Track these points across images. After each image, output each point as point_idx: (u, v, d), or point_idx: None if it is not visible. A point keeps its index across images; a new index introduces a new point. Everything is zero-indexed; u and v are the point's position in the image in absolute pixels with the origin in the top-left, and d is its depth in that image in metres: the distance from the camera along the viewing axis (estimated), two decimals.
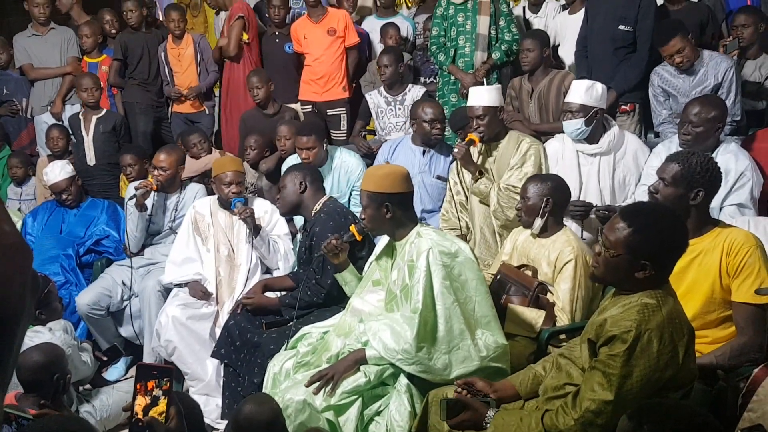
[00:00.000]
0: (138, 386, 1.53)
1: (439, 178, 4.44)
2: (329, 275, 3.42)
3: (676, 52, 4.10)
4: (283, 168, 4.47)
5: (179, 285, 4.05)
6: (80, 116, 5.49)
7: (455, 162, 4.06)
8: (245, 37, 5.85)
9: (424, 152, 4.49)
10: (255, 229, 3.94)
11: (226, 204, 4.03)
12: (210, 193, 4.42)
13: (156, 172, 4.35)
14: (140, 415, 1.51)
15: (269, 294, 3.73)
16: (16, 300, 0.58)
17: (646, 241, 2.14)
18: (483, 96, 3.90)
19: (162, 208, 4.47)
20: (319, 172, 3.88)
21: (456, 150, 3.87)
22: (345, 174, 4.54)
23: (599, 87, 3.84)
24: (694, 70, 4.16)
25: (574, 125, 3.81)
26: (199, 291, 3.96)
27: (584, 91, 3.79)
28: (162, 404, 1.52)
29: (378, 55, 5.44)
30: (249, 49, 5.90)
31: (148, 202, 4.31)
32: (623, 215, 2.21)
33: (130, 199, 4.26)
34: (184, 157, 4.67)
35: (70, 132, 5.58)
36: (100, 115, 5.47)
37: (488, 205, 3.92)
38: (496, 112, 3.92)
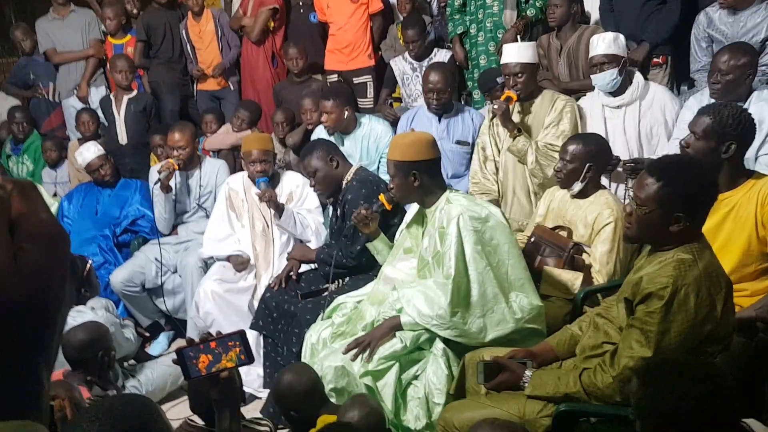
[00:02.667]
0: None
1: (459, 143, 4.40)
2: (360, 242, 3.43)
3: None
4: (313, 138, 4.48)
5: (219, 259, 4.10)
6: (111, 96, 5.55)
7: (487, 123, 4.03)
8: (271, 24, 5.83)
9: (440, 119, 4.42)
10: (278, 210, 3.91)
11: (252, 179, 4.05)
12: (235, 167, 4.45)
13: (175, 153, 4.39)
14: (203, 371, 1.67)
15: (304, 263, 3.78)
16: (57, 288, 0.60)
17: (677, 192, 2.11)
18: (520, 53, 3.87)
19: (185, 186, 4.52)
20: (335, 144, 3.88)
21: (496, 107, 3.82)
22: (374, 141, 4.52)
23: (622, 37, 3.86)
24: (742, 16, 3.97)
25: (610, 76, 3.78)
26: (239, 263, 4.00)
27: (613, 41, 3.79)
28: (224, 361, 1.67)
29: (401, 24, 5.36)
30: (273, 22, 5.88)
31: (172, 183, 4.36)
32: (650, 171, 2.18)
33: (155, 183, 4.31)
34: (196, 132, 4.70)
35: (101, 114, 5.64)
36: (131, 95, 5.51)
37: (524, 165, 3.89)
38: (533, 69, 3.91)
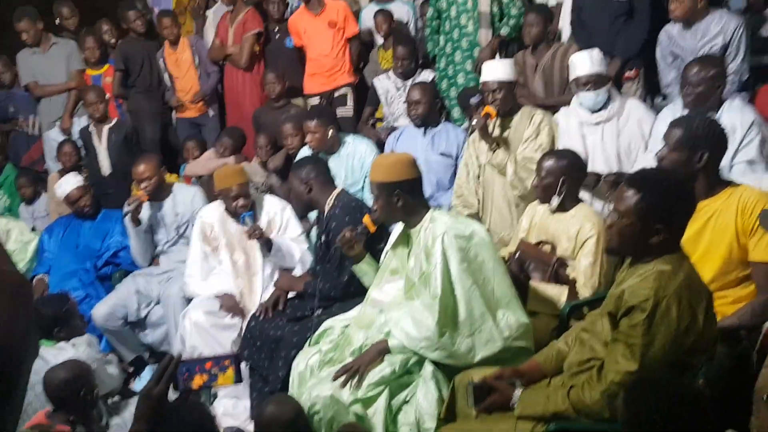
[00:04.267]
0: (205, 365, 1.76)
1: (443, 155, 4.49)
2: (347, 271, 3.42)
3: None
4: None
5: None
6: (91, 128, 5.51)
7: (469, 137, 4.14)
8: (257, 48, 5.87)
9: (425, 132, 4.55)
10: (266, 244, 3.88)
11: (234, 214, 3.99)
12: (208, 195, 4.41)
13: (142, 184, 4.34)
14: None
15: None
16: (20, 339, 0.60)
17: (656, 204, 2.14)
18: (498, 70, 3.97)
19: (159, 216, 4.46)
20: (325, 164, 3.83)
21: (474, 122, 3.90)
22: (358, 161, 4.53)
23: (600, 53, 3.94)
24: (698, 28, 4.07)
25: (602, 94, 3.85)
26: (231, 305, 3.91)
27: (598, 61, 3.87)
28: (221, 379, 1.75)
29: (393, 45, 5.39)
30: (258, 46, 5.91)
31: (144, 215, 4.32)
32: (629, 183, 2.21)
33: (124, 215, 4.27)
34: (161, 162, 4.68)
35: (83, 145, 5.61)
36: (111, 125, 5.47)
37: (503, 176, 3.95)
38: (511, 86, 3.99)
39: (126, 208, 4.30)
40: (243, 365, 3.62)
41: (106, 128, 5.45)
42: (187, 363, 1.72)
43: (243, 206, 3.91)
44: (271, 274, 4.01)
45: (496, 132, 4.00)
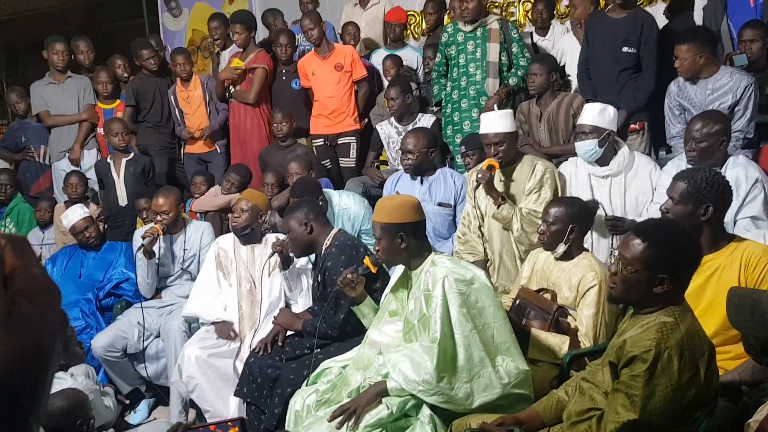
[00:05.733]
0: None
1: (440, 204, 4.45)
2: (343, 310, 3.41)
3: (677, 57, 4.11)
4: None
5: (203, 323, 4.07)
6: (109, 160, 5.61)
7: (471, 188, 4.08)
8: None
9: (422, 181, 4.50)
10: (286, 261, 3.91)
11: (236, 232, 4.09)
12: (222, 230, 4.46)
13: (159, 217, 4.38)
14: None
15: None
16: (48, 342, 0.61)
17: (662, 254, 2.15)
18: (498, 122, 3.90)
19: (169, 250, 4.51)
20: (320, 206, 3.88)
21: (480, 176, 3.85)
22: (349, 220, 4.51)
23: (611, 110, 3.92)
24: (707, 84, 4.11)
25: (587, 146, 3.85)
26: (226, 332, 3.97)
27: (597, 113, 3.86)
28: None
29: (386, 87, 5.49)
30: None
31: (155, 247, 4.35)
32: (637, 231, 2.23)
33: (138, 249, 4.30)
34: (181, 197, 4.74)
35: (99, 176, 5.70)
36: (129, 157, 5.60)
37: (508, 230, 3.93)
38: (513, 137, 3.95)
39: (140, 240, 4.33)
40: (239, 401, 3.61)
41: (124, 160, 5.56)
42: (193, 429, 1.78)
43: (235, 219, 4.03)
44: (274, 303, 4.03)
45: (499, 185, 3.98)
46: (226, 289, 4.11)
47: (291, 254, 3.88)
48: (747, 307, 2.11)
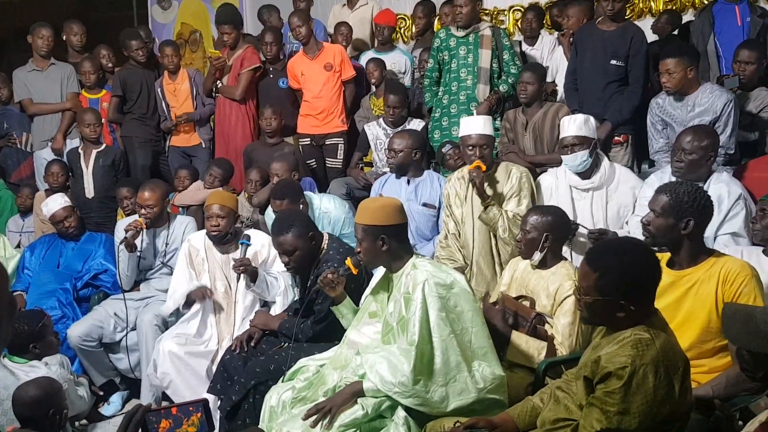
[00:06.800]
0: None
1: (425, 205, 4.51)
2: (325, 321, 3.41)
3: (666, 72, 4.12)
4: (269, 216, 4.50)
5: (181, 314, 4.04)
6: (80, 150, 5.57)
7: (445, 189, 4.20)
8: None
9: (408, 181, 4.58)
10: (252, 276, 3.85)
11: (215, 239, 4.03)
12: (201, 225, 4.42)
13: (143, 211, 4.35)
14: None
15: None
16: None
17: (614, 282, 2.14)
18: (481, 125, 4.03)
19: (152, 244, 4.48)
20: (308, 216, 3.89)
21: (475, 174, 3.91)
22: (329, 224, 4.50)
23: (592, 119, 4.02)
24: (689, 100, 4.15)
25: (580, 158, 3.91)
26: (200, 293, 3.94)
27: (583, 124, 3.93)
28: (185, 426, 1.71)
29: (384, 93, 5.47)
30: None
31: (138, 241, 4.31)
32: (589, 260, 2.22)
33: (121, 242, 4.26)
34: (167, 191, 4.70)
35: (69, 166, 5.65)
36: (100, 149, 5.56)
37: (492, 234, 4.00)
38: (492, 141, 4.08)
39: (122, 232, 4.29)
40: (214, 399, 3.58)
41: (94, 152, 5.52)
42: (154, 412, 1.73)
43: (214, 227, 3.95)
44: (251, 305, 4.00)
45: (487, 186, 4.03)
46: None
47: (261, 272, 3.87)
48: (740, 321, 2.11)
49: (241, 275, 3.83)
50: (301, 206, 4.34)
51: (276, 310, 3.92)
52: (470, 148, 4.02)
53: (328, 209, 4.56)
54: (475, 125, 4.04)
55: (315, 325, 3.47)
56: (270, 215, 4.51)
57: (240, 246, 3.86)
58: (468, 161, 4.04)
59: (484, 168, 3.94)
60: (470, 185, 4.04)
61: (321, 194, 4.85)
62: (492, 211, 3.92)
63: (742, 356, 2.21)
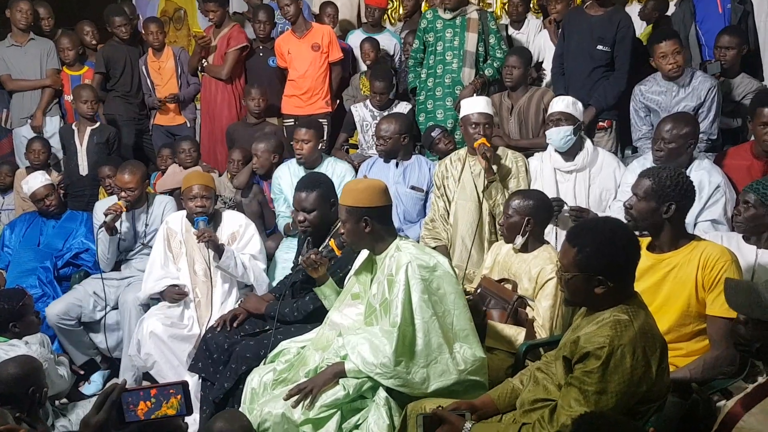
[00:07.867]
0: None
1: (413, 188, 4.53)
2: (313, 303, 3.41)
3: (674, 51, 4.14)
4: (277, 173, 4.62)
5: (157, 299, 4.02)
6: (74, 127, 5.51)
7: (438, 171, 4.24)
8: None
9: (397, 164, 4.62)
10: (217, 250, 3.85)
11: (192, 218, 4.00)
12: (180, 206, 4.39)
13: (123, 194, 4.29)
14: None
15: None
16: None
17: (593, 257, 2.20)
18: (482, 104, 4.13)
19: (132, 225, 4.44)
20: (333, 184, 3.76)
21: (486, 149, 3.96)
22: (336, 179, 4.47)
23: (579, 104, 4.07)
24: (677, 85, 4.19)
25: (563, 132, 3.94)
26: (173, 294, 3.93)
27: (571, 103, 4.00)
28: (165, 408, 1.69)
29: (369, 76, 5.44)
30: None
31: (118, 224, 4.25)
32: (568, 237, 2.29)
33: (100, 226, 4.20)
34: (147, 173, 4.67)
35: (62, 143, 5.61)
36: (94, 126, 5.51)
37: (481, 216, 4.06)
38: (492, 120, 4.16)
39: (102, 215, 4.23)
40: (196, 380, 3.58)
41: (89, 129, 5.47)
42: (132, 392, 1.70)
43: (199, 206, 3.92)
44: (228, 288, 3.98)
45: (477, 170, 4.10)
46: (174, 273, 4.05)
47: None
48: (743, 291, 2.20)
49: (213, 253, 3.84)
50: (320, 144, 4.60)
51: (259, 293, 3.91)
52: (473, 126, 4.07)
53: (336, 167, 4.65)
54: (476, 105, 4.12)
55: (304, 305, 3.46)
56: (285, 172, 4.66)
57: (195, 225, 3.89)
58: (471, 140, 4.07)
59: (488, 145, 4.00)
60: (464, 167, 4.11)
61: (330, 156, 4.90)
62: (494, 189, 4.00)
63: (738, 331, 2.25)
